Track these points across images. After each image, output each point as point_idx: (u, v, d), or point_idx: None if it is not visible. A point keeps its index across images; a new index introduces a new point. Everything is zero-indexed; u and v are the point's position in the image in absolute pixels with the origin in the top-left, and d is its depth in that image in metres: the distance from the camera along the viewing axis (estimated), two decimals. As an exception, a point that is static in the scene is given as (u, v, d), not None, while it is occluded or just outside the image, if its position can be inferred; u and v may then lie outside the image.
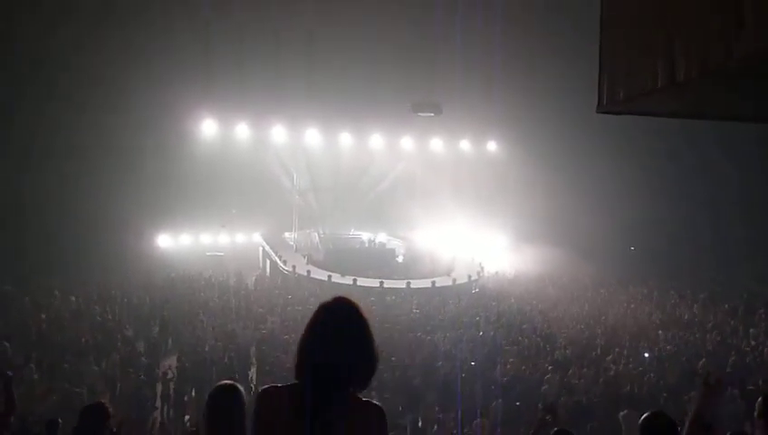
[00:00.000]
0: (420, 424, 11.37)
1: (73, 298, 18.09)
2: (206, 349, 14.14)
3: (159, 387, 12.61)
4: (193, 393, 12.17)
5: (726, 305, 20.00)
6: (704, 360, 12.90)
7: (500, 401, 11.23)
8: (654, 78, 2.24)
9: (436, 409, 11.23)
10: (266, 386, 2.34)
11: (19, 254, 20.78)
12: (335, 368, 2.15)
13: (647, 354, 13.97)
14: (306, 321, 2.33)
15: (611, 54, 2.48)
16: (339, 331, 2.20)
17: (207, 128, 30.30)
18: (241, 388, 3.04)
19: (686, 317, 19.01)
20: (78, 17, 24.43)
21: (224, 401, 2.95)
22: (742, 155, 26.64)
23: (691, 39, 2.00)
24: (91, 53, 24.39)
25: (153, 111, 25.59)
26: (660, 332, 16.80)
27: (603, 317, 19.00)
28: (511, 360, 13.26)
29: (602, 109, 2.59)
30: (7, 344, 12.45)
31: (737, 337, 16.11)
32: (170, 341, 16.34)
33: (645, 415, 3.11)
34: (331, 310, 2.29)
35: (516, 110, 29.82)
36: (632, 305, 21.15)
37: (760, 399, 3.13)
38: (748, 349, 14.60)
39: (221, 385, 3.06)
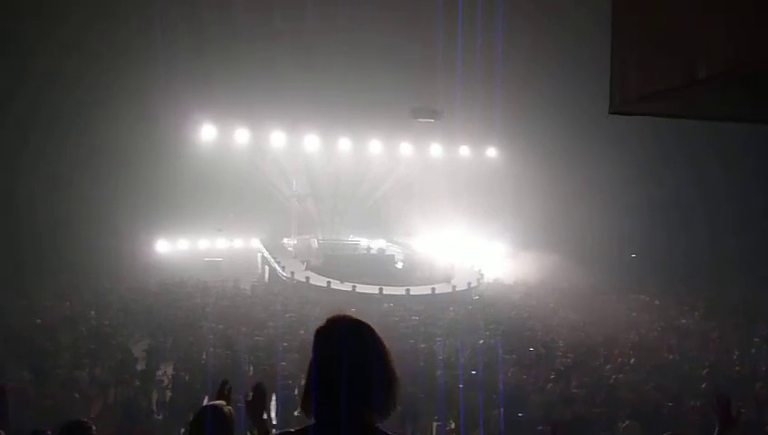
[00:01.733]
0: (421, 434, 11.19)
1: (67, 303, 17.90)
2: (204, 356, 13.96)
3: (156, 395, 12.42)
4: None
5: (726, 314, 19.86)
6: (707, 370, 12.61)
7: (501, 410, 11.04)
8: (671, 76, 2.08)
9: (436, 418, 11.05)
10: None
11: (11, 257, 20.55)
12: (347, 407, 1.85)
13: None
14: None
15: (624, 51, 2.33)
16: (339, 359, 1.88)
17: (206, 133, 30.17)
18: (227, 409, 2.80)
19: (685, 325, 18.85)
20: (74, 20, 24.29)
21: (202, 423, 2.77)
22: (737, 164, 26.63)
23: (714, 33, 1.86)
24: (87, 56, 24.25)
25: (151, 116, 25.46)
26: (661, 340, 16.65)
27: (603, 326, 18.83)
28: (512, 369, 13.06)
29: (614, 109, 2.42)
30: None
31: (739, 346, 15.93)
32: (168, 347, 16.16)
33: None
34: (326, 336, 1.95)
35: (517, 116, 29.74)
36: (633, 313, 20.98)
37: None
38: (746, 359, 14.37)
39: (203, 408, 2.90)
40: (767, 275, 23.79)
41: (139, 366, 13.60)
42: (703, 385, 11.87)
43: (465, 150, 34.98)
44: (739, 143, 23.56)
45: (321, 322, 2.03)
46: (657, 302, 22.73)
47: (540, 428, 9.50)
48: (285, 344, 14.44)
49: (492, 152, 35.11)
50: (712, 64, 1.90)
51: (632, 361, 14.19)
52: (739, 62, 1.85)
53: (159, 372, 13.53)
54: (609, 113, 2.56)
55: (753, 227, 26.32)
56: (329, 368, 1.89)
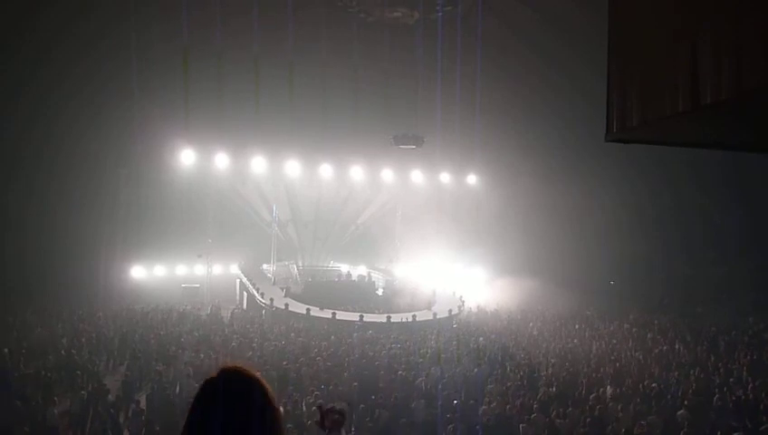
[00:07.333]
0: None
1: (39, 329, 17.37)
2: (177, 389, 13.53)
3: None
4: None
5: (706, 342, 19.90)
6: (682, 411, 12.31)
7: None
8: (674, 101, 1.99)
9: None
10: None
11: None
12: None
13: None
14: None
15: (623, 75, 2.23)
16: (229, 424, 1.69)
17: (186, 158, 29.86)
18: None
19: (665, 353, 18.79)
20: (58, 46, 24.00)
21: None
22: (715, 191, 27.10)
23: (722, 54, 1.76)
24: (66, 78, 23.97)
25: (130, 140, 25.17)
26: (642, 369, 16.55)
27: (586, 353, 18.71)
28: (495, 399, 12.84)
29: (612, 136, 2.32)
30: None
31: (719, 375, 15.91)
32: (141, 377, 15.65)
33: None
34: (210, 395, 1.75)
35: (497, 143, 30.00)
36: (614, 341, 20.93)
37: None
38: (726, 389, 14.28)
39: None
40: (746, 302, 24.01)
41: (111, 398, 13.13)
42: (679, 412, 11.80)
43: (445, 177, 35.09)
44: (717, 170, 24.01)
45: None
46: (635, 330, 22.72)
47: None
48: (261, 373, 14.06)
49: (472, 179, 35.27)
50: (718, 88, 1.81)
51: (615, 390, 14.06)
52: (743, 90, 1.76)
53: (133, 404, 13.07)
54: (607, 141, 2.46)
55: (732, 256, 26.66)
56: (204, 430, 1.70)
